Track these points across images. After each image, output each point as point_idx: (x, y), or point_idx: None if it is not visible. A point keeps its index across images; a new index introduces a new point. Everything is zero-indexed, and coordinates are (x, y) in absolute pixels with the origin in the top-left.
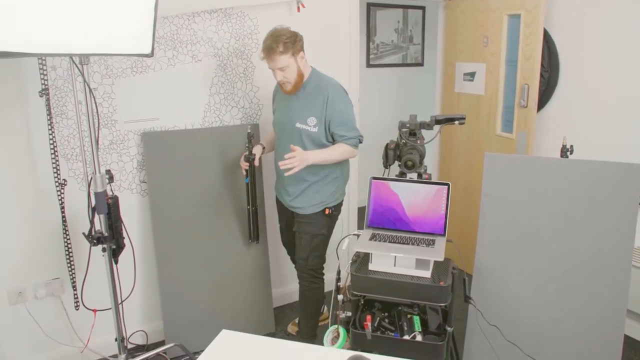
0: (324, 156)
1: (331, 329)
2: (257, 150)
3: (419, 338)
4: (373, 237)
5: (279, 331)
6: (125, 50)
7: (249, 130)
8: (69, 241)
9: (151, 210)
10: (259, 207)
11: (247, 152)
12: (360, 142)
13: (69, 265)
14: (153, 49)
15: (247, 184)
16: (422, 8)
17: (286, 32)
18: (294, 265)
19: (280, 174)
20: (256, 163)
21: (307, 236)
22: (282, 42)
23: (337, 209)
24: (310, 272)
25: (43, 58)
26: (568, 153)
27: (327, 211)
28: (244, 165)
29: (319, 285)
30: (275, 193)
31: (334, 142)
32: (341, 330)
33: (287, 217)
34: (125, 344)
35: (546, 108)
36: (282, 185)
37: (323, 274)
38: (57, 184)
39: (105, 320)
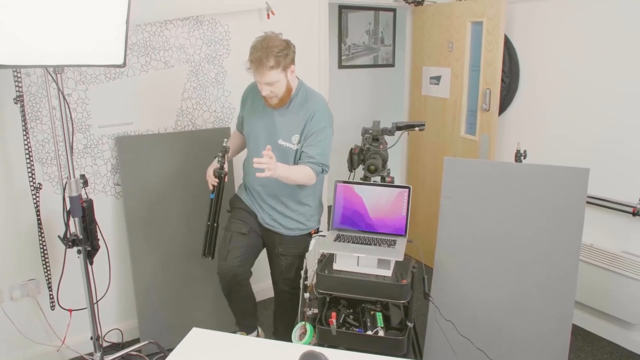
0: (288, 174)
1: (299, 325)
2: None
3: (381, 333)
4: (337, 238)
5: None
6: (98, 62)
7: (225, 144)
8: (44, 243)
9: (125, 212)
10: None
11: (218, 167)
12: (324, 172)
13: (44, 266)
14: (125, 59)
15: (212, 199)
16: (393, 10)
17: (278, 43)
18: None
19: (258, 190)
20: (226, 180)
21: (292, 258)
22: (274, 55)
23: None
24: (294, 287)
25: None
26: (522, 157)
27: (312, 232)
28: (213, 180)
29: (298, 292)
30: (244, 201)
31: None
32: (308, 326)
33: (256, 227)
34: (101, 342)
35: (507, 112)
36: (257, 202)
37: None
38: (32, 187)
39: (81, 319)
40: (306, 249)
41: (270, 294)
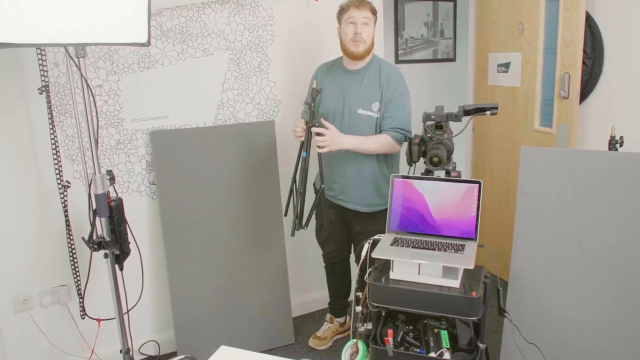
0: (359, 144)
1: (350, 343)
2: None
3: (447, 355)
4: (395, 242)
5: (298, 342)
6: (120, 39)
7: (314, 86)
8: (73, 246)
9: (161, 214)
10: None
11: (309, 118)
12: (407, 139)
13: (73, 271)
14: (149, 37)
15: (304, 159)
16: (453, 0)
17: None
18: (327, 260)
19: (336, 172)
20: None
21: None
22: (370, 2)
23: None
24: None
25: (42, 53)
26: (617, 145)
27: None
28: (302, 132)
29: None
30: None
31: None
32: (360, 345)
33: (334, 215)
34: (132, 356)
35: (590, 99)
36: (341, 187)
37: None
38: (59, 186)
39: (114, 329)
40: (384, 224)
41: (316, 307)
